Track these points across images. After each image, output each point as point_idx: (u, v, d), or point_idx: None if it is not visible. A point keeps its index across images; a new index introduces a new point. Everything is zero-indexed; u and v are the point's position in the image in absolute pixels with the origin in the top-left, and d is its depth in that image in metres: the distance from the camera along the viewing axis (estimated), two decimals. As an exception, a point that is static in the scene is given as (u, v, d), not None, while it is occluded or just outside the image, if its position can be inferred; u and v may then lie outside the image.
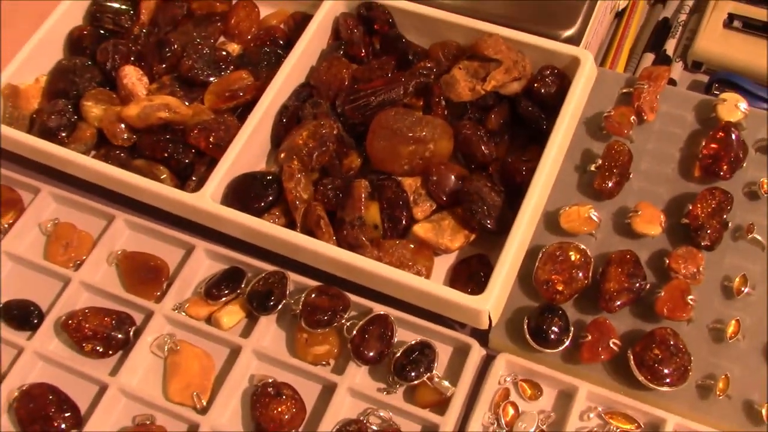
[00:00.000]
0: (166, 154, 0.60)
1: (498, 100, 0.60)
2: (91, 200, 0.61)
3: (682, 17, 0.83)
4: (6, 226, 0.60)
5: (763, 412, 0.47)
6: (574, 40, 0.64)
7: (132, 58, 0.65)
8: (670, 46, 0.81)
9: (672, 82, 0.79)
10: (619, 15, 0.86)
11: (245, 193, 0.57)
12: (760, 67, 0.64)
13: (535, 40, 0.60)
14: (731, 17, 0.71)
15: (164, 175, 0.59)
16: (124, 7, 0.69)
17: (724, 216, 0.53)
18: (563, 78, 0.60)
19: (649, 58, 0.82)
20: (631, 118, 0.57)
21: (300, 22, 0.66)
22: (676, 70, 0.81)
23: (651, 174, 0.57)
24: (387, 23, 0.64)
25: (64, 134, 0.61)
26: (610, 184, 0.55)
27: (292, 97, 0.62)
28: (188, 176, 0.60)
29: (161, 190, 0.57)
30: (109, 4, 0.69)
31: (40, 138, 0.61)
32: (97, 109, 0.63)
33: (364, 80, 0.62)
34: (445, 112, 0.59)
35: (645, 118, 0.58)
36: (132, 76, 0.63)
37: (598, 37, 0.78)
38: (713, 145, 0.55)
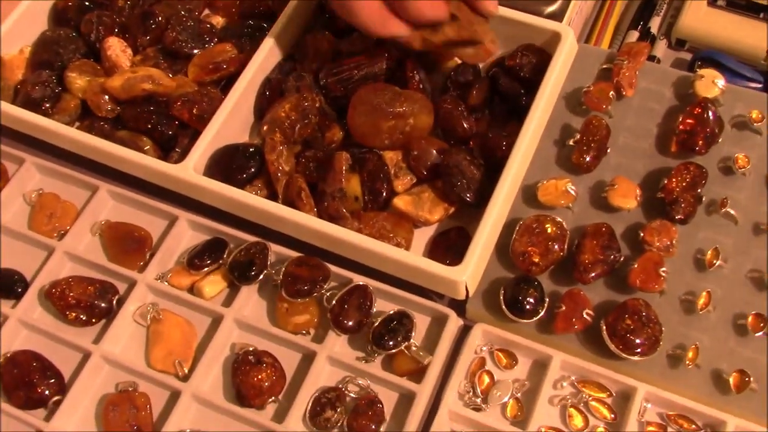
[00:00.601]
0: (149, 126, 0.60)
1: (477, 75, 0.61)
2: (75, 171, 0.61)
3: (668, -5, 0.83)
4: (-10, 196, 0.61)
5: (731, 381, 0.48)
6: (557, 16, 0.64)
7: (116, 30, 0.65)
8: (655, 23, 0.82)
9: (656, 59, 0.79)
10: (604, -9, 0.86)
11: (228, 164, 0.58)
12: (744, 45, 0.65)
13: (515, 14, 0.61)
14: (715, -5, 0.72)
15: (147, 146, 0.60)
16: (108, -22, 0.69)
17: (699, 190, 0.54)
18: (543, 54, 0.61)
19: (634, 35, 0.82)
20: (610, 94, 0.58)
21: (284, -5, 0.66)
22: (660, 47, 0.81)
23: (628, 149, 0.58)
24: (370, -3, 0.64)
25: (48, 105, 0.62)
26: (587, 159, 0.56)
27: (276, 70, 0.63)
28: (172, 148, 0.60)
29: (144, 161, 0.58)
30: (93, -25, 0.69)
31: (23, 108, 0.61)
32: (81, 80, 0.63)
33: (347, 53, 0.62)
34: (421, 86, 0.60)
35: (624, 93, 0.59)
36: (116, 48, 0.63)
37: (583, 14, 0.79)
38: (689, 121, 0.56)
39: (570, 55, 0.61)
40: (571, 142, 0.57)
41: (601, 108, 0.58)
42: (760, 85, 0.63)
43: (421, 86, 0.60)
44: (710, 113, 0.56)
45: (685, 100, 0.59)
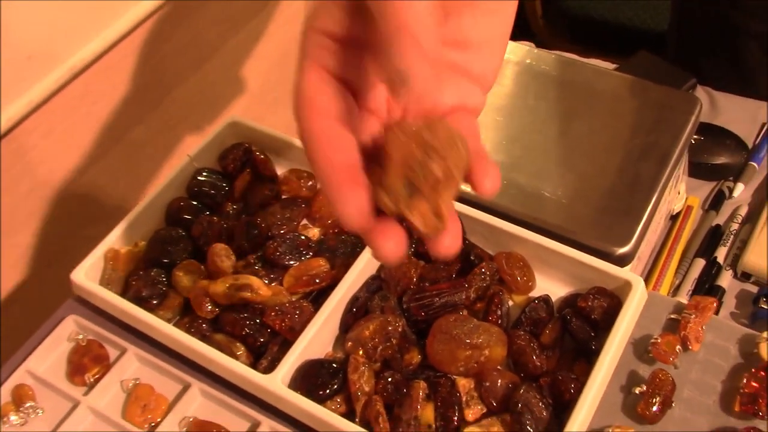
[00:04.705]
0: (244, 332, 0.65)
1: (550, 313, 0.65)
2: (171, 365, 0.67)
3: (735, 226, 0.87)
4: (92, 380, 0.66)
5: None
6: (629, 257, 0.69)
7: (222, 236, 0.72)
8: (721, 253, 0.86)
9: (721, 290, 0.83)
10: (673, 218, 0.90)
11: (312, 379, 0.62)
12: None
13: (590, 260, 0.66)
14: (781, 233, 0.75)
15: (241, 352, 0.65)
16: (220, 183, 0.77)
17: (761, 457, 0.56)
18: (614, 298, 0.65)
19: (700, 263, 0.86)
20: (677, 347, 0.61)
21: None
22: (726, 278, 0.85)
23: (693, 403, 0.60)
24: (456, 227, 0.70)
25: (155, 302, 0.68)
26: (653, 411, 0.59)
27: (363, 288, 0.68)
28: (261, 354, 0.65)
29: (236, 368, 0.63)
30: (207, 179, 0.77)
31: (132, 303, 0.67)
32: (186, 279, 0.69)
33: (430, 279, 0.68)
34: (500, 321, 0.64)
35: (690, 347, 0.62)
36: (221, 254, 0.70)
37: (651, 242, 0.83)
38: (753, 384, 0.59)
39: (640, 304, 0.65)
40: (637, 391, 0.60)
41: (668, 361, 0.61)
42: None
43: (500, 321, 0.64)
44: (774, 377, 0.59)
45: (750, 358, 0.62)
